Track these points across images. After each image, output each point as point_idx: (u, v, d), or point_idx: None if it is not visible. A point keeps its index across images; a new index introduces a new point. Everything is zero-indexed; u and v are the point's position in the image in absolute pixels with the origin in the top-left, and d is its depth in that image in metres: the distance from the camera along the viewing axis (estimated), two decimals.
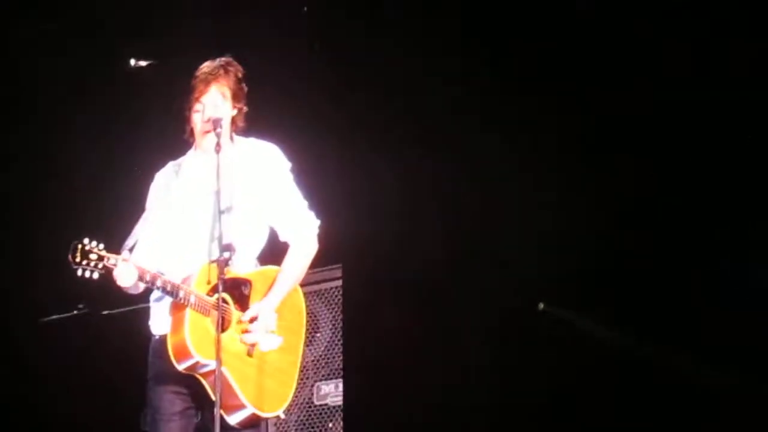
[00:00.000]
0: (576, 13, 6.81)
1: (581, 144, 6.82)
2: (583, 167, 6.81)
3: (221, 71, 5.47)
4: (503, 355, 6.87)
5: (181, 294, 5.20)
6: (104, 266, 5.09)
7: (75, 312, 7.97)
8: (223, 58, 5.52)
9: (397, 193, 7.20)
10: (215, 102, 5.45)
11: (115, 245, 5.22)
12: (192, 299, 5.20)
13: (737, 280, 6.33)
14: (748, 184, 6.48)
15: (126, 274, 5.13)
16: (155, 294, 5.38)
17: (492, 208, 7.01)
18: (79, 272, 5.07)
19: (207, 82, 5.45)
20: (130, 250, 5.26)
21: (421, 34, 7.20)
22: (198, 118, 5.46)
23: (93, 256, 5.07)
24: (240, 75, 5.52)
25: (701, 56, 6.54)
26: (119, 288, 5.20)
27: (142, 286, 5.25)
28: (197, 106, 5.46)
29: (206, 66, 5.49)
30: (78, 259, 5.06)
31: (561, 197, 6.81)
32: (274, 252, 5.59)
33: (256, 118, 5.63)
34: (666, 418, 6.49)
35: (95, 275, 5.09)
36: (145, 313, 5.56)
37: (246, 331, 5.36)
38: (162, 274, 5.28)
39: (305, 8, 7.43)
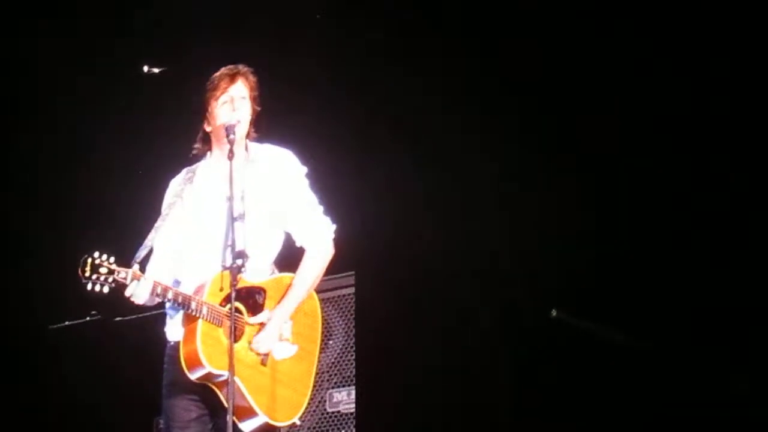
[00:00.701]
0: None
1: (581, 146, 6.83)
2: (583, 169, 6.81)
3: (243, 69, 5.48)
4: (518, 359, 6.87)
5: (193, 305, 5.18)
6: (114, 280, 5.07)
7: (87, 318, 7.97)
8: (240, 65, 5.51)
9: (410, 200, 7.19)
10: (242, 93, 5.44)
11: (133, 252, 5.22)
12: (204, 310, 5.18)
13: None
14: (751, 181, 6.48)
15: (140, 291, 5.12)
16: None
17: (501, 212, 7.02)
18: (89, 286, 5.06)
19: (233, 77, 5.44)
20: (141, 263, 5.23)
21: (425, 49, 7.20)
22: (227, 109, 5.41)
23: (103, 270, 5.05)
24: (257, 82, 5.51)
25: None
26: (131, 301, 5.19)
27: (155, 299, 5.23)
28: (224, 97, 5.42)
29: (227, 67, 5.48)
30: (88, 274, 5.04)
31: (562, 199, 6.81)
32: (292, 257, 5.56)
33: (269, 126, 5.62)
34: (667, 419, 6.50)
35: (105, 289, 5.08)
36: (157, 320, 5.55)
37: (258, 332, 5.33)
38: (177, 283, 5.30)
39: (318, 16, 7.43)
